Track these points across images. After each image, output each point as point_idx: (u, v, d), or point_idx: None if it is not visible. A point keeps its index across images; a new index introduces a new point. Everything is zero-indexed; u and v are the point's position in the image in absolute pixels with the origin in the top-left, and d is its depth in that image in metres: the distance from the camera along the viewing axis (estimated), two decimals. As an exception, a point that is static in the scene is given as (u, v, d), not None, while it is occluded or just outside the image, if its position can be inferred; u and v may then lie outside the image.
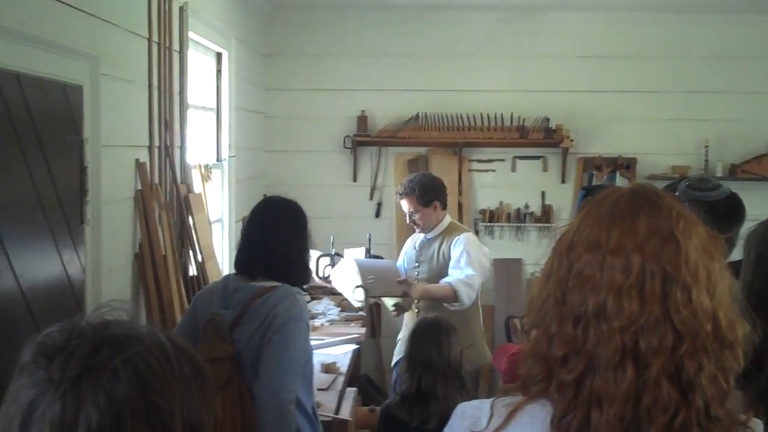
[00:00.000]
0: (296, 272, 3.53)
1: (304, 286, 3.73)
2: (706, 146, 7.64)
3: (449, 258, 5.24)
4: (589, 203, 1.52)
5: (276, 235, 3.51)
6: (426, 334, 3.77)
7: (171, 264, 4.32)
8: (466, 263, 5.14)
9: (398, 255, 5.89)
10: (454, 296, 5.07)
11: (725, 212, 2.74)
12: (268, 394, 3.18)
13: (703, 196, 2.87)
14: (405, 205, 5.38)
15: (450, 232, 5.38)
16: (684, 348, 1.37)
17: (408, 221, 5.48)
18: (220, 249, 6.13)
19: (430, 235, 5.41)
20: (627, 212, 1.45)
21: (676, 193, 2.94)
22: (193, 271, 4.95)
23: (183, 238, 4.90)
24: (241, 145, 6.68)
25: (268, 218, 3.59)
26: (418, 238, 5.54)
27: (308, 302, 5.69)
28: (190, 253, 4.93)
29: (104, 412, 1.07)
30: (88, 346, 1.11)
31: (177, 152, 4.91)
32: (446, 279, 5.17)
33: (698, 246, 1.43)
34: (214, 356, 3.40)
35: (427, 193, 5.32)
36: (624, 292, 1.38)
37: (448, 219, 5.48)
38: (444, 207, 5.43)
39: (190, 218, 4.93)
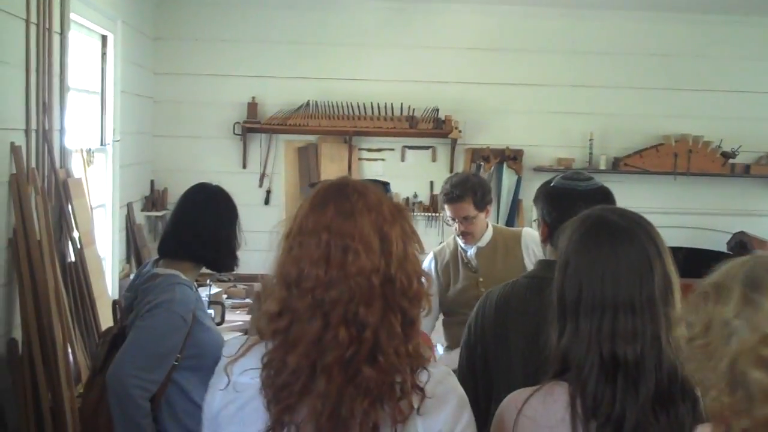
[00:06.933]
0: (181, 252, 3.49)
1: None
2: (590, 139, 7.83)
3: (529, 255, 4.68)
4: (305, 196, 1.98)
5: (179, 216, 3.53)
6: None
7: (46, 250, 4.23)
8: None
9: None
10: None
11: (595, 201, 2.84)
12: (109, 375, 3.13)
13: (573, 185, 2.99)
14: (458, 210, 4.65)
15: (505, 231, 4.97)
16: (357, 299, 1.78)
17: (458, 231, 4.72)
18: (103, 235, 6.04)
19: (482, 244, 4.76)
20: (320, 201, 1.89)
21: (552, 184, 3.06)
22: (71, 257, 4.86)
23: (61, 224, 4.81)
24: (128, 129, 6.58)
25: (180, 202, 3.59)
26: (448, 255, 4.83)
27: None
28: (69, 239, 4.85)
29: None
30: None
31: (56, 136, 4.81)
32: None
33: (375, 219, 1.85)
34: (104, 338, 3.39)
35: (486, 194, 4.73)
36: (315, 261, 1.82)
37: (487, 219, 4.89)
38: None
39: (68, 204, 4.84)
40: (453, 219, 4.70)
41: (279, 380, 1.82)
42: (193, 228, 3.43)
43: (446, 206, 4.72)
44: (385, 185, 4.05)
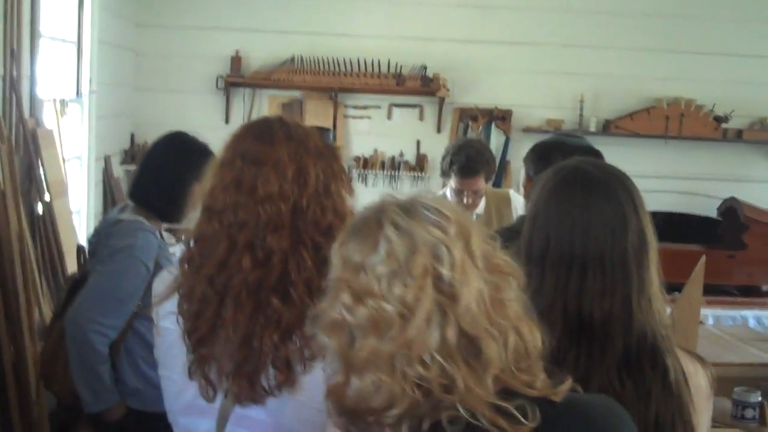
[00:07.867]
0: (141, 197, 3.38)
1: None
2: (581, 101, 7.68)
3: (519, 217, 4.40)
4: None
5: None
6: None
7: (11, 201, 4.09)
8: None
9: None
10: None
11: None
12: (68, 319, 3.07)
13: (563, 139, 3.06)
14: (472, 184, 4.38)
15: (494, 194, 4.78)
16: (263, 224, 1.78)
17: (463, 201, 4.39)
18: (78, 188, 5.91)
19: (479, 211, 4.55)
20: (242, 133, 1.91)
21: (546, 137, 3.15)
22: (39, 209, 4.73)
23: (30, 175, 4.68)
24: (106, 81, 6.42)
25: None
26: None
27: (172, 245, 5.53)
28: (37, 191, 4.71)
29: None
30: None
31: (26, 84, 4.67)
32: None
33: (295, 148, 1.84)
34: (67, 284, 3.34)
35: (494, 165, 4.58)
36: (225, 186, 1.82)
37: None
38: None
39: (38, 155, 4.69)
40: (460, 191, 4.41)
41: (191, 309, 1.83)
42: (147, 174, 3.34)
43: (457, 179, 4.40)
44: (326, 131, 3.98)
